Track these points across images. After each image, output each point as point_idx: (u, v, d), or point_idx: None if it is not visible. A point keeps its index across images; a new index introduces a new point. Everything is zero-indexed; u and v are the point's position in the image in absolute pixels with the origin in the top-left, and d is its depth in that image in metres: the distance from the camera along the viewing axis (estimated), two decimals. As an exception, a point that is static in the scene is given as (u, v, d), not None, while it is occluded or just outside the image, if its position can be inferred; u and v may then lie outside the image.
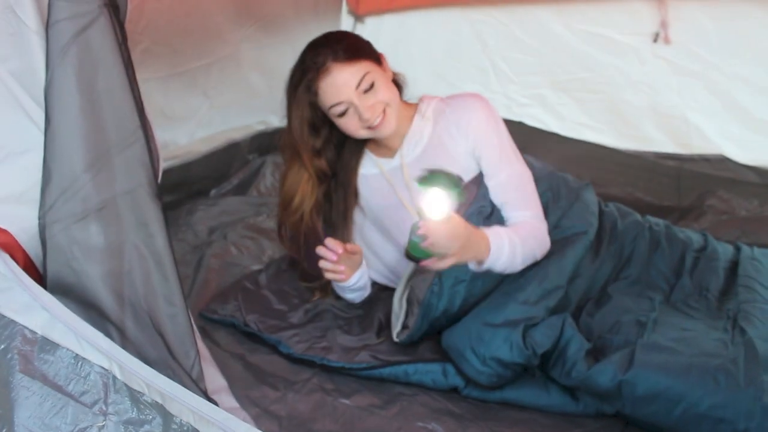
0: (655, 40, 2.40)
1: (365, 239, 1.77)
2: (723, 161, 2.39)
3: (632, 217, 1.85)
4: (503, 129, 1.66)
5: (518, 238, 1.55)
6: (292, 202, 1.68)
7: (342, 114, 1.58)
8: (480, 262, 1.51)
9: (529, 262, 1.59)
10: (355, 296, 1.76)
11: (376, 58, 1.61)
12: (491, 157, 1.64)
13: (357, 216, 1.76)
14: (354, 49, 1.57)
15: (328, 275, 1.59)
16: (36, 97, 1.17)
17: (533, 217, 1.64)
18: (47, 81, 1.15)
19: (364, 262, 1.71)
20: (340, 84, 1.54)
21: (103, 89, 1.16)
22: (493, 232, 1.52)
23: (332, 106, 1.57)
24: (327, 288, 1.80)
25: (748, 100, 2.33)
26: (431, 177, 1.40)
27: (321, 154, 1.67)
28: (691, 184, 2.38)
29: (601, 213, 1.81)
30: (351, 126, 1.59)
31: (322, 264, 1.58)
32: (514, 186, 1.64)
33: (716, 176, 2.37)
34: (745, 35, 2.29)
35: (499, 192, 1.65)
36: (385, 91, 1.58)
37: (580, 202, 1.77)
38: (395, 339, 1.60)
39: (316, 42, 1.62)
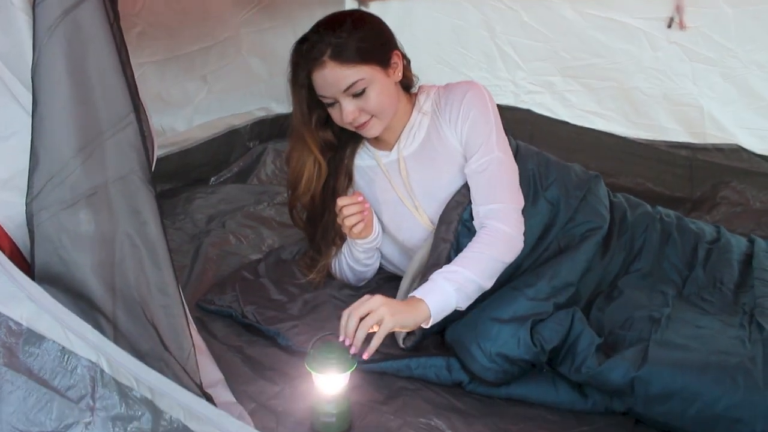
0: (669, 26, 2.34)
1: None
2: (737, 151, 2.35)
3: (642, 208, 1.79)
4: (494, 119, 1.60)
5: (467, 272, 1.45)
6: (300, 184, 1.66)
7: (329, 105, 1.56)
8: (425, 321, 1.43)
9: (497, 273, 1.52)
10: (368, 266, 1.72)
11: (383, 61, 1.55)
12: (474, 144, 1.59)
13: None
14: (358, 51, 1.50)
15: (353, 220, 1.55)
16: (23, 79, 1.12)
17: (502, 210, 1.55)
18: (34, 62, 1.10)
19: (375, 218, 1.69)
20: (330, 82, 1.51)
21: (93, 71, 1.11)
22: (431, 289, 1.43)
23: (320, 96, 1.56)
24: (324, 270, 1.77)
25: (765, 87, 2.27)
26: (318, 354, 1.32)
27: (327, 126, 1.64)
28: (704, 175, 2.34)
29: (610, 204, 1.76)
30: (336, 118, 1.58)
31: (347, 210, 1.54)
32: (487, 174, 1.57)
33: (730, 167, 2.33)
34: (764, 20, 2.22)
35: (471, 180, 1.59)
36: (376, 101, 1.53)
37: (592, 195, 1.72)
38: (401, 345, 1.54)
39: (328, 22, 1.56)
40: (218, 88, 2.45)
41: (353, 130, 1.59)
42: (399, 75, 1.60)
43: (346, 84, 1.51)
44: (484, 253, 1.50)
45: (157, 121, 2.21)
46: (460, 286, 1.45)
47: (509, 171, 1.59)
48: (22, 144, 1.12)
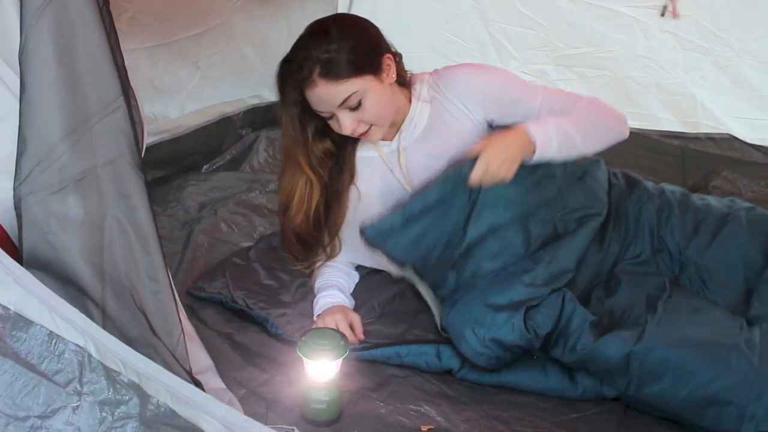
0: (662, 14, 2.34)
1: (359, 221, 1.69)
2: (729, 140, 2.36)
3: (640, 187, 1.70)
4: (502, 72, 1.64)
5: (565, 120, 1.51)
6: (291, 205, 1.63)
7: (328, 118, 1.55)
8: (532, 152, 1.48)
9: (602, 133, 1.56)
10: None
11: (374, 68, 1.53)
12: (517, 108, 1.59)
13: (352, 195, 1.69)
14: (348, 64, 1.48)
15: None
16: (10, 62, 1.11)
17: (587, 100, 1.61)
18: (21, 44, 1.09)
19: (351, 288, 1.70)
20: (323, 99, 1.51)
21: (81, 54, 1.10)
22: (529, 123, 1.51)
23: (317, 111, 1.55)
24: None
25: (758, 77, 2.29)
26: (310, 341, 1.33)
27: (324, 134, 1.62)
28: (696, 164, 2.35)
29: (609, 188, 1.70)
30: (336, 129, 1.57)
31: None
32: (554, 96, 1.62)
33: (722, 156, 2.34)
34: (757, 9, 2.23)
35: (546, 112, 1.60)
36: (373, 110, 1.52)
37: (590, 178, 1.66)
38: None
39: (312, 36, 1.53)
40: (211, 75, 2.43)
41: (357, 138, 1.59)
42: (393, 76, 1.58)
43: (340, 99, 1.49)
44: (578, 116, 1.53)
45: (148, 108, 2.19)
46: (559, 123, 1.50)
47: (557, 89, 1.66)
48: (10, 128, 1.10)
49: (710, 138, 2.38)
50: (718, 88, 2.35)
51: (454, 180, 1.49)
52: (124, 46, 1.13)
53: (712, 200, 1.68)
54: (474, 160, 1.46)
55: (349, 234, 1.68)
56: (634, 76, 2.45)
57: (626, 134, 1.63)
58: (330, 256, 1.70)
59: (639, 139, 2.45)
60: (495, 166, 1.45)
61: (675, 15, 2.32)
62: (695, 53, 2.35)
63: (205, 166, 2.44)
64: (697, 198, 1.68)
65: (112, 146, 1.11)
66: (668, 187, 1.73)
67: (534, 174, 1.55)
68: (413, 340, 1.52)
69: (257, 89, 2.60)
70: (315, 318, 1.57)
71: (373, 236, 1.51)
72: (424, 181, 1.55)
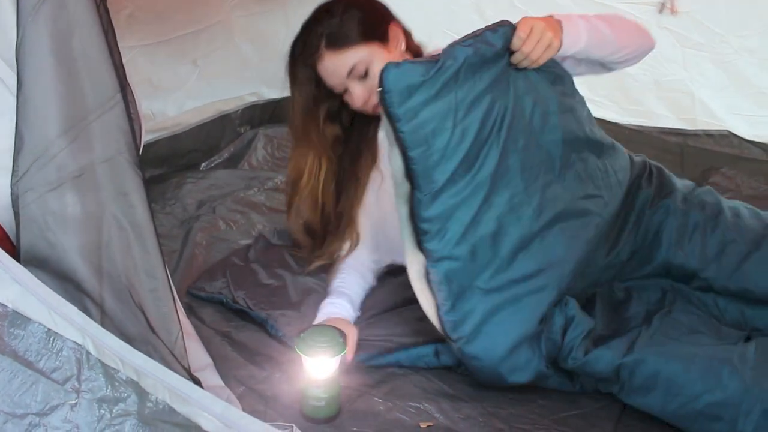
0: (660, 11, 2.34)
1: (382, 207, 1.63)
2: (728, 137, 2.37)
3: (671, 197, 1.59)
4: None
5: (589, 15, 1.45)
6: (300, 182, 1.63)
7: (342, 92, 1.55)
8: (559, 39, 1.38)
9: (628, 28, 1.49)
10: None
11: (380, 37, 1.52)
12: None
13: (374, 179, 1.65)
14: (351, 33, 1.49)
15: None
16: (7, 59, 1.11)
17: None
18: (18, 41, 1.08)
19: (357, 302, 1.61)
20: (331, 72, 1.52)
21: (79, 51, 1.10)
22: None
23: (331, 87, 1.54)
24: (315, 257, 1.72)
25: (756, 73, 2.29)
26: (309, 338, 1.33)
27: (334, 119, 1.62)
28: (694, 161, 2.36)
29: (633, 191, 1.58)
30: (352, 104, 1.56)
31: None
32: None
33: (721, 153, 2.35)
34: (755, 5, 2.24)
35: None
36: None
37: (610, 161, 1.57)
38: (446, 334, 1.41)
39: (315, 16, 1.55)
40: (209, 73, 2.43)
41: (372, 112, 1.55)
42: (402, 46, 1.57)
43: (347, 69, 1.49)
44: (601, 17, 1.46)
45: (147, 105, 2.20)
46: (584, 16, 1.42)
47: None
48: (7, 125, 1.10)
49: (709, 135, 2.38)
50: (717, 84, 2.35)
51: (494, 39, 1.35)
52: (122, 43, 1.14)
53: (748, 216, 1.57)
54: (510, 28, 1.36)
55: (371, 227, 1.64)
56: (633, 74, 2.44)
57: (654, 42, 1.54)
58: (350, 248, 1.64)
59: (638, 136, 2.46)
60: (540, 27, 1.34)
61: (673, 12, 2.32)
62: (693, 50, 2.35)
63: (203, 164, 2.45)
64: (731, 213, 1.57)
65: (109, 143, 1.11)
66: (701, 197, 1.61)
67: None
68: (411, 343, 1.49)
69: (255, 86, 2.61)
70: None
71: (393, 81, 1.26)
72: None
